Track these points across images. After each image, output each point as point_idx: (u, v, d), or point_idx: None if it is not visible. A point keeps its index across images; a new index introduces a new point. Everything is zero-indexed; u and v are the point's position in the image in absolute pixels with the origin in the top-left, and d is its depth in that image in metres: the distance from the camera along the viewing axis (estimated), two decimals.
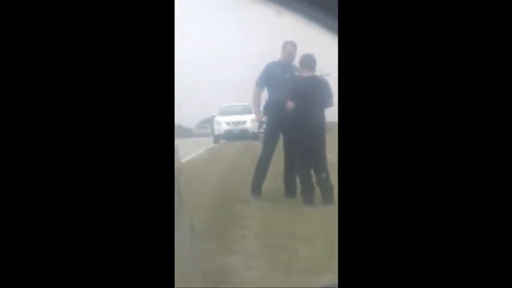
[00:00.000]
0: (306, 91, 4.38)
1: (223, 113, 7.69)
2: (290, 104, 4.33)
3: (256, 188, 4.39)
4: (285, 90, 4.47)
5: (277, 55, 4.74)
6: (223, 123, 7.47)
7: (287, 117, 4.37)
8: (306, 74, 4.43)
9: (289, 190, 4.41)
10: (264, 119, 4.81)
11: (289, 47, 4.62)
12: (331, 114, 4.36)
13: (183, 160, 3.44)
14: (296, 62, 4.60)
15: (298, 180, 4.37)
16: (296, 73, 4.54)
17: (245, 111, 7.32)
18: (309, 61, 4.48)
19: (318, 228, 3.14)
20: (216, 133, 7.47)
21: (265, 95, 4.72)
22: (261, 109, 4.77)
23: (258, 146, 5.84)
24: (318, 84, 4.39)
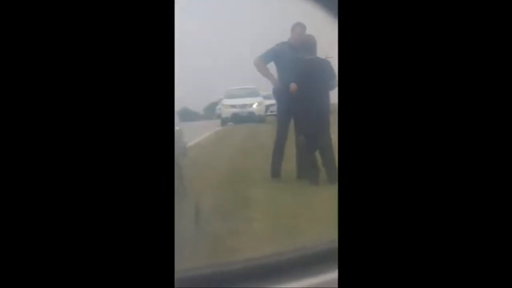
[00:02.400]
0: (308, 73, 4.38)
1: (230, 96, 7.68)
2: (293, 86, 4.35)
3: (275, 171, 4.50)
4: (294, 72, 4.50)
5: (284, 38, 4.74)
6: (230, 106, 7.48)
7: (295, 100, 4.40)
8: (307, 56, 4.43)
9: (301, 172, 4.49)
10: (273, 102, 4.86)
11: (298, 29, 4.62)
12: (336, 96, 4.36)
13: (190, 144, 3.46)
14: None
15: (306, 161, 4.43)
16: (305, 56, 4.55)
17: (251, 94, 7.31)
18: (309, 43, 4.48)
19: (323, 207, 3.18)
20: (223, 116, 7.48)
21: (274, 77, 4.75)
22: (271, 90, 4.81)
23: (265, 129, 5.86)
24: (320, 65, 4.39)
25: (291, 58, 4.55)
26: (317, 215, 3.18)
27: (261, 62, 4.71)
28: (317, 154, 4.35)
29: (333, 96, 4.36)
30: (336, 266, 0.81)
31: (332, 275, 0.84)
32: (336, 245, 0.82)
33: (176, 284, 0.77)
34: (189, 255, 1.30)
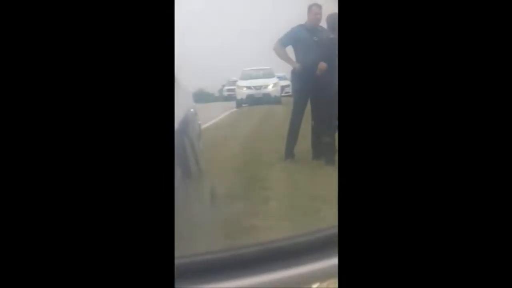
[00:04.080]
0: (332, 53, 4.34)
1: (246, 77, 7.66)
2: (322, 65, 4.30)
3: (289, 152, 4.52)
4: (313, 53, 4.48)
5: (301, 19, 4.72)
6: (245, 88, 7.47)
7: (314, 81, 4.39)
8: (332, 35, 4.38)
9: (316, 153, 4.49)
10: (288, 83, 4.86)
11: (315, 9, 4.60)
12: None
13: (205, 125, 3.47)
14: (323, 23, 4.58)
15: (323, 142, 4.43)
16: (323, 36, 4.52)
17: (267, 75, 7.28)
18: (334, 20, 4.42)
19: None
20: (239, 97, 7.46)
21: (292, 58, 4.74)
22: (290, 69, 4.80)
23: (281, 110, 5.85)
24: None
25: (309, 40, 4.54)
26: (333, 195, 3.18)
27: (280, 47, 4.71)
28: (334, 135, 4.33)
29: None
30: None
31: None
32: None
33: (183, 269, 0.77)
34: (206, 237, 1.31)
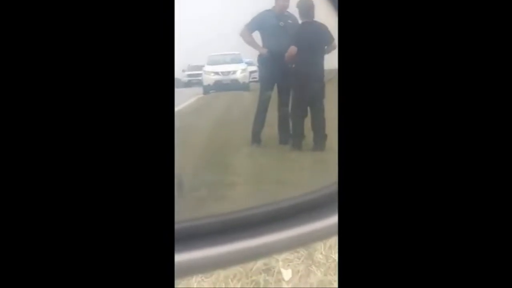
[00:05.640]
0: (302, 37, 4.33)
1: (213, 62, 7.58)
2: (293, 49, 4.28)
3: (255, 137, 4.55)
4: (279, 39, 4.49)
5: (269, 5, 4.72)
6: (212, 73, 7.40)
7: (281, 66, 4.39)
8: (303, 19, 4.38)
9: (283, 138, 4.53)
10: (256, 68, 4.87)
11: None
12: (332, 61, 4.30)
13: None
14: (291, 9, 4.58)
15: (291, 127, 4.46)
16: (289, 21, 4.52)
17: (235, 60, 7.24)
18: (305, 6, 4.42)
19: (306, 173, 3.23)
20: (205, 83, 7.39)
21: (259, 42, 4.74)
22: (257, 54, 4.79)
23: (248, 96, 5.86)
24: (316, 29, 4.34)
25: (276, 26, 4.54)
26: (299, 180, 3.23)
27: (247, 32, 4.70)
28: (302, 120, 4.36)
29: (329, 61, 4.32)
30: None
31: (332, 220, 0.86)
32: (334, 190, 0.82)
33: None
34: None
